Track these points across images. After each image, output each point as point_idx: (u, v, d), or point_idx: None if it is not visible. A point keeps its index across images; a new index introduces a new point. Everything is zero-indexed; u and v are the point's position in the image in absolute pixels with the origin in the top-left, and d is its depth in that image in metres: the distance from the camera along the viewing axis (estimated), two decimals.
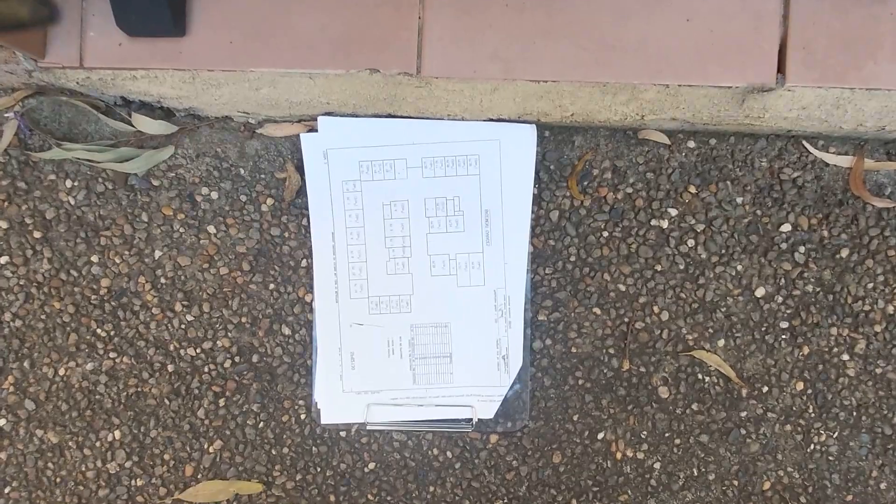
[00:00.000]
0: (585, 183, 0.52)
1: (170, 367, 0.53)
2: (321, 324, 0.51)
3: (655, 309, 0.52)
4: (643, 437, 0.52)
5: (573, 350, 0.52)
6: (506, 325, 0.51)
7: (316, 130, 0.50)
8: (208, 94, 0.47)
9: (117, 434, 0.53)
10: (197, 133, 0.52)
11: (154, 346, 0.53)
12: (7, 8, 0.37)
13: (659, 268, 0.52)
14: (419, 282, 0.51)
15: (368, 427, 0.51)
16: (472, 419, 0.51)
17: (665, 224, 0.52)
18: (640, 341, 0.52)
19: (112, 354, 0.53)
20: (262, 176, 0.52)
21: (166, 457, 0.53)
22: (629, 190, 0.52)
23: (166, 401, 0.53)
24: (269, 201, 0.52)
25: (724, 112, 0.46)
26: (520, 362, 0.51)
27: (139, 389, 0.53)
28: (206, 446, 0.53)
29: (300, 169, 0.51)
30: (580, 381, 0.52)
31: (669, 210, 0.52)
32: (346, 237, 0.51)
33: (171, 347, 0.53)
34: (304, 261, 0.52)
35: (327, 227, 0.51)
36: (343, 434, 0.53)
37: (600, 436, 0.52)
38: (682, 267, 0.52)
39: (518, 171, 0.50)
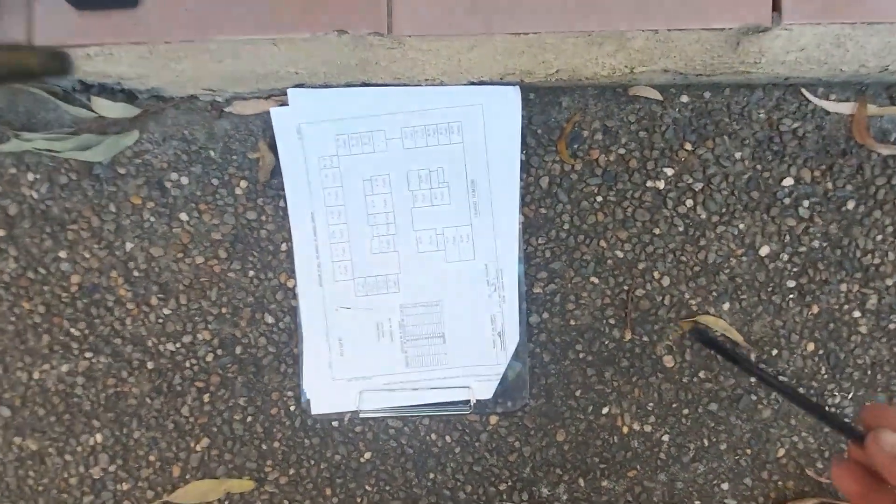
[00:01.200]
0: (575, 146, 0.48)
1: (149, 365, 0.49)
2: (306, 310, 0.48)
3: (656, 274, 0.49)
4: (650, 409, 0.49)
5: (572, 322, 0.49)
6: (500, 300, 0.48)
7: (287, 105, 0.46)
8: (168, 70, 0.43)
9: (99, 437, 0.49)
10: (162, 115, 0.49)
11: (131, 343, 0.49)
12: (16, 58, 0.37)
13: (657, 231, 0.48)
14: (406, 260, 0.47)
15: (362, 415, 0.48)
16: (469, 401, 0.48)
17: (661, 185, 0.48)
18: (642, 309, 0.49)
19: (88, 354, 0.49)
20: (234, 157, 0.49)
21: (152, 458, 0.50)
22: (622, 151, 0.48)
23: (148, 400, 0.49)
24: (243, 184, 0.49)
25: (718, 59, 0.43)
26: (516, 338, 0.48)
27: (118, 389, 0.49)
28: (192, 445, 0.49)
29: (273, 147, 0.47)
30: (581, 355, 0.49)
31: (665, 170, 0.48)
32: (327, 217, 0.47)
33: (150, 343, 0.49)
34: (284, 244, 0.49)
35: (306, 208, 0.48)
36: (335, 424, 0.49)
37: (605, 410, 0.49)
38: (681, 229, 0.49)
39: (503, 136, 0.47)
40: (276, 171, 0.48)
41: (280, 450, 0.50)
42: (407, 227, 0.48)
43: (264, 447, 0.50)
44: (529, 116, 0.48)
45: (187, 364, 0.49)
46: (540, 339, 0.49)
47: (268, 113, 0.47)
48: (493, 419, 0.49)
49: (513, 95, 0.47)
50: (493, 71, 0.45)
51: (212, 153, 0.49)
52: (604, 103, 0.49)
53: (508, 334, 0.48)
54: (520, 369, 0.49)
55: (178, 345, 0.49)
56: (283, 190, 0.48)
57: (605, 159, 0.49)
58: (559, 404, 0.49)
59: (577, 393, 0.49)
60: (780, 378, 0.44)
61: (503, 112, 0.47)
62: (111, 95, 0.48)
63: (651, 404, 0.49)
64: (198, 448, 0.50)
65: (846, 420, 0.33)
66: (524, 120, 0.47)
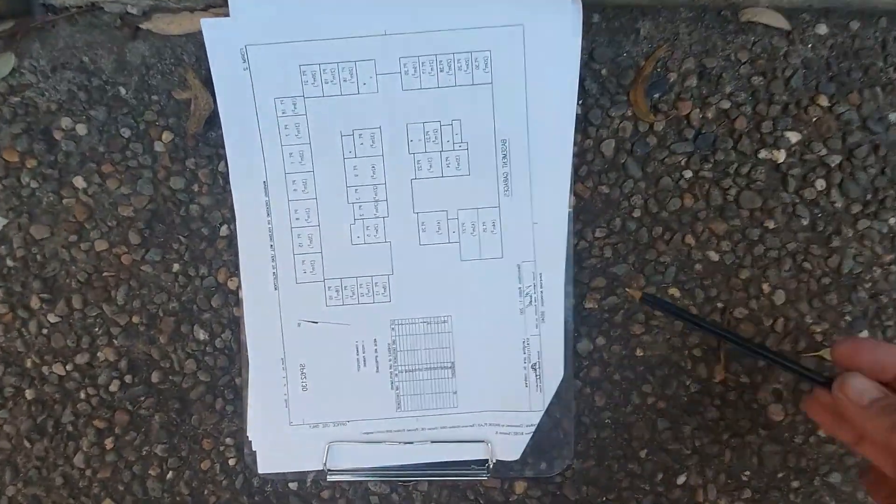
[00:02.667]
0: (657, 95, 0.31)
1: (28, 394, 0.33)
2: (253, 323, 0.31)
3: (765, 287, 0.32)
4: (745, 479, 0.33)
5: (639, 353, 0.32)
6: (536, 318, 0.31)
7: (227, 15, 0.29)
8: None
9: None
10: (51, 33, 0.32)
11: (3, 361, 0.33)
12: None
13: (771, 225, 0.32)
14: (402, 255, 0.31)
15: (331, 477, 0.32)
16: (487, 461, 0.31)
17: (781, 157, 0.31)
18: (742, 337, 0.32)
19: None
20: (154, 97, 0.32)
21: None
22: (725, 105, 0.31)
23: (27, 442, 0.33)
24: (167, 136, 0.32)
25: None
26: (559, 374, 0.32)
27: None
28: None
29: (210, 84, 0.30)
30: (650, 400, 0.33)
31: (787, 135, 0.31)
32: (287, 188, 0.31)
33: (28, 364, 0.33)
34: (224, 227, 0.32)
35: (255, 174, 0.31)
36: (294, 486, 0.33)
37: (680, 480, 0.33)
38: (805, 222, 0.32)
39: (552, 76, 0.30)
40: (214, 119, 0.31)
41: None
42: (404, 208, 0.31)
43: None
44: (591, 49, 0.31)
45: (82, 395, 0.33)
46: (591, 376, 0.33)
47: (201, 31, 0.30)
48: (520, 487, 0.33)
49: (571, 13, 0.29)
50: None
51: (122, 90, 0.32)
52: (702, 33, 0.31)
53: (547, 367, 0.32)
54: (561, 418, 0.32)
55: (69, 367, 0.33)
56: (224, 147, 0.31)
57: (701, 116, 0.31)
58: (615, 469, 0.33)
59: (642, 454, 0.33)
60: (741, 335, 0.30)
61: (554, 38, 0.29)
62: None
63: (747, 473, 0.33)
64: None
65: (812, 368, 0.27)
66: (584, 54, 0.30)
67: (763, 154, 0.32)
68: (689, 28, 0.32)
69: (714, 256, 0.33)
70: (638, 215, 0.33)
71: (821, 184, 0.33)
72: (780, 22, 0.32)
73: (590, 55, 0.32)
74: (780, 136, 0.32)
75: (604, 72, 0.32)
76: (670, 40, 0.32)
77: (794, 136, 0.32)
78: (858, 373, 0.24)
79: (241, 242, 0.32)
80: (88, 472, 0.34)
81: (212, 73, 0.31)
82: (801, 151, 0.33)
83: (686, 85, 0.32)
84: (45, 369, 0.34)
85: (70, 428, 0.34)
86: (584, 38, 0.30)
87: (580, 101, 0.32)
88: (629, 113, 0.32)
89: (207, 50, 0.30)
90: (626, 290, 0.30)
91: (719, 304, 0.33)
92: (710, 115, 0.32)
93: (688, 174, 0.33)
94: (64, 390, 0.34)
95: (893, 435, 0.22)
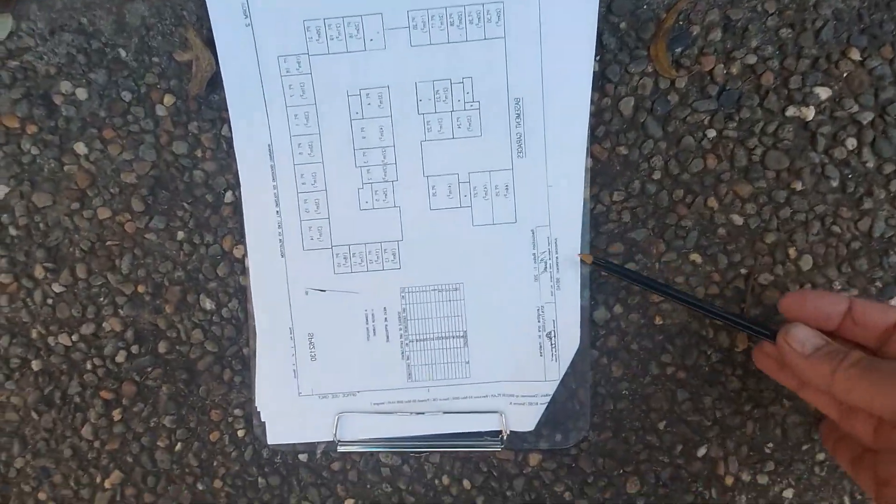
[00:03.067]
0: (679, 50, 0.29)
1: (34, 365, 0.32)
2: (260, 291, 0.30)
3: (791, 252, 0.30)
4: (767, 451, 0.32)
5: (658, 321, 0.31)
6: (551, 285, 0.30)
7: None
8: None
9: None
10: None
11: (8, 332, 0.32)
12: None
13: (798, 186, 0.30)
14: (412, 220, 0.29)
15: (341, 448, 0.31)
16: (500, 432, 0.30)
17: (810, 114, 0.30)
18: (766, 304, 0.31)
19: None
20: (155, 59, 0.30)
21: (42, 496, 0.33)
22: (751, 59, 0.29)
23: (34, 414, 0.32)
24: (168, 100, 0.30)
25: None
26: (575, 343, 0.30)
27: None
28: (98, 480, 0.33)
29: (212, 43, 0.29)
30: (669, 370, 0.31)
31: (817, 91, 0.29)
32: (292, 151, 0.29)
33: (34, 334, 0.32)
34: (229, 193, 0.31)
35: (260, 138, 0.29)
36: (303, 458, 0.32)
37: (701, 452, 0.32)
38: (835, 184, 0.30)
39: (569, 30, 0.28)
40: (217, 81, 0.29)
41: (223, 491, 0.33)
42: (414, 171, 0.29)
43: (200, 487, 0.33)
44: (609, 1, 0.29)
45: (88, 366, 0.32)
46: (608, 346, 0.31)
47: None
48: (535, 459, 0.32)
49: None
50: None
51: (122, 53, 0.31)
52: None
53: (563, 336, 0.30)
54: (577, 388, 0.31)
55: (74, 337, 0.32)
56: (227, 110, 0.29)
57: (725, 72, 0.30)
58: (632, 441, 0.32)
59: (661, 425, 0.32)
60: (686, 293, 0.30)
61: None
62: None
63: (770, 445, 0.32)
64: (107, 485, 0.33)
65: (759, 323, 0.27)
66: (601, 6, 0.29)
67: (791, 111, 0.30)
68: None
69: (738, 220, 0.31)
70: (658, 177, 0.31)
71: (852, 143, 0.31)
72: None
73: (608, 8, 0.30)
74: (808, 93, 0.30)
75: (622, 25, 0.30)
76: None
77: (823, 93, 0.30)
78: (801, 323, 0.25)
79: (246, 209, 0.31)
80: (97, 444, 0.33)
81: (213, 31, 0.29)
82: (830, 108, 0.31)
83: (710, 39, 0.30)
84: (50, 340, 0.33)
85: (77, 399, 0.33)
86: None
87: (597, 57, 0.30)
88: (649, 69, 0.30)
89: (208, 5, 0.29)
90: (578, 255, 0.29)
91: (743, 270, 0.31)
92: (734, 70, 0.30)
93: (711, 133, 0.31)
94: (70, 361, 0.33)
95: (833, 381, 0.23)
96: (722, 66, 0.30)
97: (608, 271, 0.29)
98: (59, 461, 0.34)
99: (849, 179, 0.31)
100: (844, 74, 0.30)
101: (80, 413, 0.33)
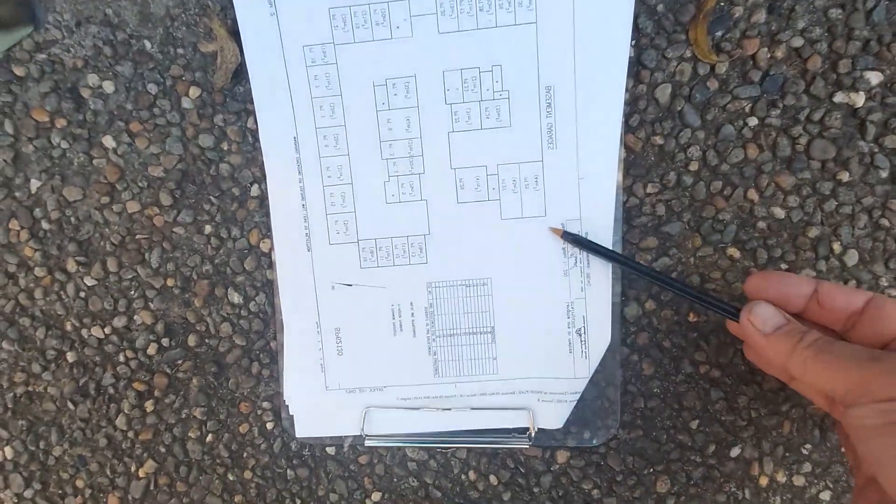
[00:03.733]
0: (720, 33, 0.27)
1: (69, 356, 0.32)
2: (287, 286, 0.30)
3: (836, 247, 0.29)
4: (805, 452, 0.30)
5: (691, 318, 0.30)
6: (581, 280, 0.29)
7: None
8: None
9: (8, 452, 0.34)
10: None
11: (44, 324, 0.32)
12: None
13: (845, 178, 0.28)
14: (439, 214, 0.28)
15: (368, 442, 0.31)
16: (528, 429, 0.30)
17: (860, 101, 0.28)
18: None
19: None
20: (180, 51, 0.30)
21: (79, 483, 0.34)
22: (798, 42, 0.27)
23: (70, 405, 0.33)
24: (194, 92, 0.30)
25: None
26: (606, 339, 0.29)
27: (30, 389, 0.33)
28: (133, 469, 0.33)
29: (236, 34, 0.28)
30: (703, 369, 0.30)
31: (868, 76, 0.27)
32: (318, 144, 0.28)
33: (68, 327, 0.32)
34: (255, 187, 0.30)
35: (285, 130, 0.29)
36: (331, 451, 0.32)
37: (734, 452, 0.30)
38: (884, 174, 0.28)
39: (603, 13, 0.27)
40: (242, 72, 0.29)
41: (253, 482, 0.33)
42: (441, 163, 0.28)
43: (231, 477, 0.33)
44: None
45: (121, 358, 0.33)
46: (639, 343, 0.30)
47: None
48: (563, 456, 0.31)
49: None
50: None
51: (147, 44, 0.30)
52: None
53: (593, 333, 0.29)
54: (606, 386, 0.30)
55: (107, 330, 0.32)
56: (252, 102, 0.29)
57: (769, 56, 0.28)
58: (663, 440, 0.31)
59: (693, 425, 0.30)
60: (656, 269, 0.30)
61: None
62: None
63: (808, 446, 0.30)
64: (141, 473, 0.33)
65: (722, 299, 0.26)
66: None
67: (839, 98, 0.28)
68: None
69: (779, 213, 0.29)
70: (695, 168, 0.29)
71: None
72: None
73: None
74: (858, 78, 0.28)
75: (660, 7, 0.28)
76: None
77: (874, 77, 0.28)
78: (764, 301, 0.24)
79: (272, 202, 0.30)
80: (130, 434, 0.34)
81: (237, 21, 0.28)
82: (882, 94, 0.29)
83: (753, 20, 0.28)
84: (84, 332, 0.33)
85: (111, 390, 0.33)
86: None
87: (633, 42, 0.28)
88: (688, 54, 0.29)
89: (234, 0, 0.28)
90: (549, 227, 0.29)
91: (784, 266, 0.30)
92: (779, 54, 0.28)
93: (752, 122, 0.29)
94: (104, 353, 0.33)
95: (790, 361, 0.23)
96: (766, 49, 0.28)
97: (579, 246, 0.28)
98: (94, 450, 0.34)
99: None
100: None
101: (115, 404, 0.34)
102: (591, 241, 0.28)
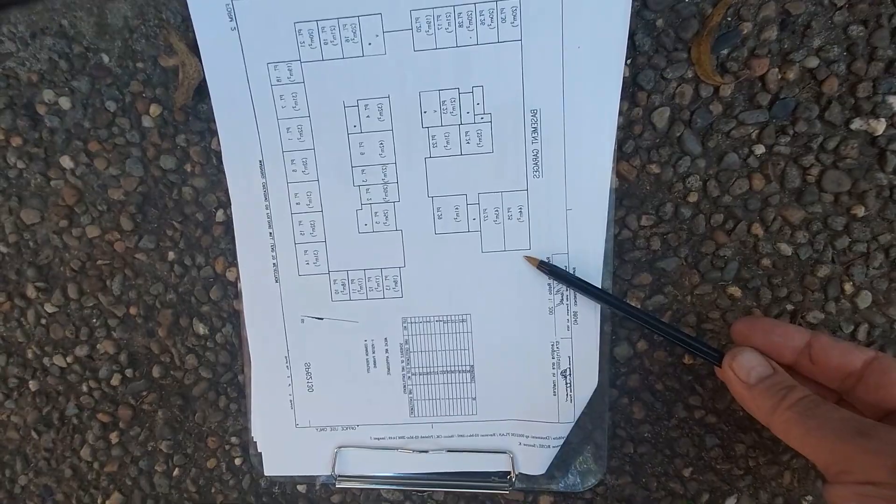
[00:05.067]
0: (725, 52, 0.24)
1: (31, 385, 0.30)
2: (254, 318, 0.27)
3: (847, 287, 0.26)
4: None
5: (687, 361, 0.27)
6: (568, 319, 0.26)
7: None
8: None
9: None
10: None
11: (4, 351, 0.30)
12: None
13: (860, 211, 0.25)
14: (415, 245, 0.26)
15: (340, 484, 0.28)
16: (509, 473, 0.27)
17: (879, 128, 0.24)
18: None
19: None
20: (140, 65, 0.27)
21: None
22: (812, 62, 0.24)
23: (34, 434, 0.31)
24: (154, 110, 0.27)
25: None
26: (593, 382, 0.27)
27: None
28: (99, 501, 0.31)
29: (198, 48, 0.25)
30: (697, 414, 0.27)
31: (890, 100, 0.24)
32: (285, 168, 0.26)
33: (30, 354, 0.30)
34: (220, 212, 0.28)
35: (250, 153, 0.26)
36: (302, 489, 0.30)
37: (730, 502, 0.28)
38: None
39: (596, 29, 0.23)
40: (204, 90, 0.26)
41: None
42: (417, 190, 0.26)
43: None
44: None
45: (84, 388, 0.30)
46: (629, 385, 0.27)
47: None
48: (546, 501, 0.29)
49: None
50: None
51: (105, 58, 0.27)
52: None
53: (579, 375, 0.27)
54: (593, 429, 0.27)
55: (69, 359, 0.30)
56: (215, 121, 0.26)
57: (780, 77, 0.24)
58: (654, 487, 0.28)
59: (686, 472, 0.28)
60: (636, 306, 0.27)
61: None
62: None
63: (809, 498, 0.28)
64: None
65: (705, 343, 0.23)
66: (636, 1, 0.24)
67: (856, 125, 0.25)
68: None
69: (786, 250, 0.26)
70: (694, 200, 0.26)
71: None
72: None
73: (643, 2, 0.25)
74: (879, 102, 0.25)
75: (659, 23, 0.25)
76: None
77: None
78: (750, 348, 0.22)
79: (237, 230, 0.28)
80: (96, 465, 0.32)
81: (196, 35, 0.25)
82: None
83: (763, 38, 0.25)
84: (46, 360, 0.31)
85: (75, 420, 0.31)
86: None
87: (628, 61, 0.25)
88: (689, 74, 0.25)
89: (190, 7, 0.25)
90: (524, 256, 0.26)
91: (789, 307, 0.27)
92: (791, 75, 0.25)
93: (759, 150, 0.26)
94: (67, 382, 0.31)
95: (771, 418, 0.20)
96: (776, 70, 0.25)
97: (555, 278, 0.26)
98: (60, 480, 0.32)
99: None
100: None
101: (79, 434, 0.32)
102: (568, 273, 0.25)
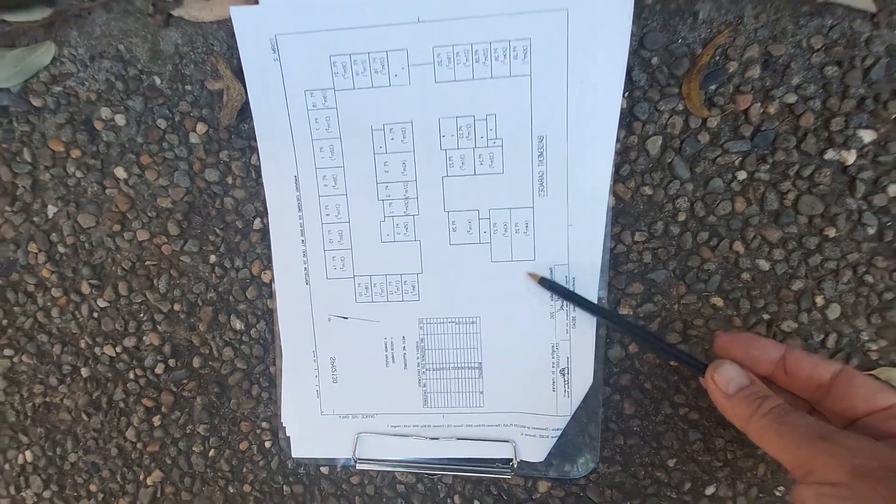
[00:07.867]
0: (714, 87, 0.26)
1: (83, 371, 0.33)
2: (286, 316, 0.30)
3: (819, 300, 0.28)
4: (777, 495, 0.30)
5: (673, 363, 0.29)
6: (567, 323, 0.28)
7: (257, 2, 0.26)
8: None
9: (28, 455, 0.34)
10: (88, 20, 0.29)
11: (60, 341, 0.33)
12: None
13: (832, 232, 0.27)
14: (432, 254, 0.28)
15: (359, 465, 0.31)
16: (511, 460, 0.29)
17: (850, 158, 0.26)
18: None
19: (7, 351, 0.33)
20: (188, 87, 0.29)
21: (92, 488, 0.34)
22: (791, 98, 0.26)
23: (84, 416, 0.33)
24: (201, 128, 0.29)
25: None
26: (588, 380, 0.29)
27: (48, 399, 0.34)
28: (141, 477, 0.34)
29: (241, 74, 0.27)
30: (682, 410, 0.29)
31: (860, 133, 0.26)
32: (317, 183, 0.28)
33: (83, 344, 0.33)
34: (258, 220, 0.30)
35: (287, 169, 0.28)
36: (325, 471, 0.32)
37: (709, 490, 0.30)
38: (872, 231, 0.27)
39: (597, 66, 0.26)
40: (247, 111, 0.28)
41: (252, 495, 0.33)
42: (435, 205, 0.28)
43: (231, 490, 0.34)
44: (641, 35, 0.26)
45: (131, 375, 0.33)
46: (621, 383, 0.30)
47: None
48: (544, 486, 0.31)
49: None
50: None
51: (157, 80, 0.30)
52: (770, 15, 0.26)
53: (577, 373, 0.29)
54: (588, 423, 0.30)
55: (118, 349, 0.33)
56: (256, 140, 0.28)
57: (761, 111, 0.27)
58: (641, 475, 0.30)
59: (671, 463, 0.30)
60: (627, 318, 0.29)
61: (601, 24, 0.25)
62: None
63: (781, 489, 0.30)
64: (149, 482, 0.34)
65: (692, 354, 0.26)
66: (633, 40, 0.26)
67: (829, 155, 0.27)
68: (756, 10, 0.27)
69: (764, 265, 0.29)
70: (682, 219, 0.29)
71: (894, 189, 0.27)
72: (865, 2, 0.26)
73: (640, 42, 0.27)
74: (851, 135, 0.27)
75: (654, 60, 0.27)
76: (733, 24, 0.27)
77: (868, 135, 0.27)
78: (730, 361, 0.23)
79: (273, 237, 0.30)
80: (139, 445, 0.34)
81: (242, 64, 0.28)
82: (874, 152, 0.27)
83: (747, 76, 0.27)
84: (97, 350, 0.33)
85: (122, 405, 0.34)
86: (634, 21, 0.26)
87: (626, 94, 0.27)
88: (680, 107, 0.28)
89: (237, 39, 0.28)
90: (527, 272, 0.28)
91: (765, 316, 0.29)
92: (772, 109, 0.27)
93: (741, 176, 0.28)
94: (115, 370, 0.34)
95: (748, 425, 0.21)
96: (758, 105, 0.27)
97: (554, 292, 0.28)
98: (106, 458, 0.35)
99: (887, 227, 0.28)
100: (893, 117, 0.27)
101: (125, 417, 0.34)
102: (565, 288, 0.28)
